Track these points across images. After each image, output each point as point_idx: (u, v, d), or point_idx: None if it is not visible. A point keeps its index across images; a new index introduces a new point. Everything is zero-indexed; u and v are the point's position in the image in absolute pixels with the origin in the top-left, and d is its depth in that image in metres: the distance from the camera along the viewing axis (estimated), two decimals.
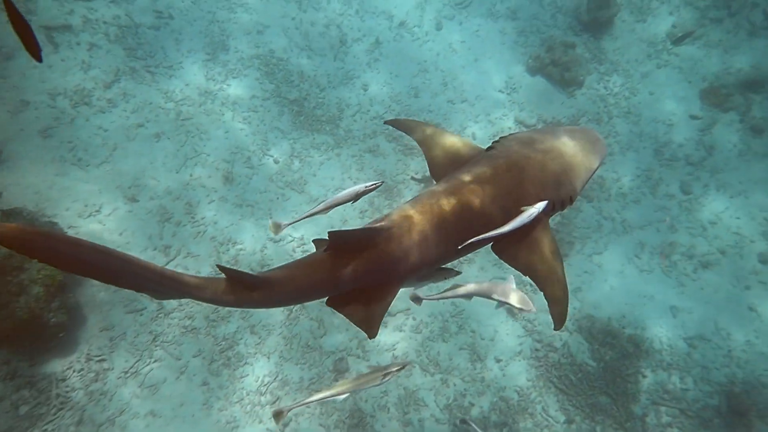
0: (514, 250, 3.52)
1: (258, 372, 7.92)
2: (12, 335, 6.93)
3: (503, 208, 3.41)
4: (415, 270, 3.36)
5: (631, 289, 9.78)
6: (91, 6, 9.89)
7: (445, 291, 4.09)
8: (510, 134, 3.94)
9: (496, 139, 3.90)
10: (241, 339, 8.08)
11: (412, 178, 9.83)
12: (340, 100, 10.55)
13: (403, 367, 4.19)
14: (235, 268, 3.16)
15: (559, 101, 11.56)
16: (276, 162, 9.62)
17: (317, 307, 8.34)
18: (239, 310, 8.15)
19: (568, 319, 3.68)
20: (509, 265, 3.56)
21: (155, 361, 7.66)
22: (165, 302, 7.94)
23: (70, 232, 7.93)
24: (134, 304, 7.86)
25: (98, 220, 8.30)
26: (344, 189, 3.88)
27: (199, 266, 8.37)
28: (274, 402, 7.73)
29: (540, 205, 3.32)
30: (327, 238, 3.15)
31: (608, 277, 9.84)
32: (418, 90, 11.08)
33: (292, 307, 8.36)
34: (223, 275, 3.18)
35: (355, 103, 10.60)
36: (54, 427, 6.96)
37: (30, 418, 6.89)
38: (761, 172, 11.07)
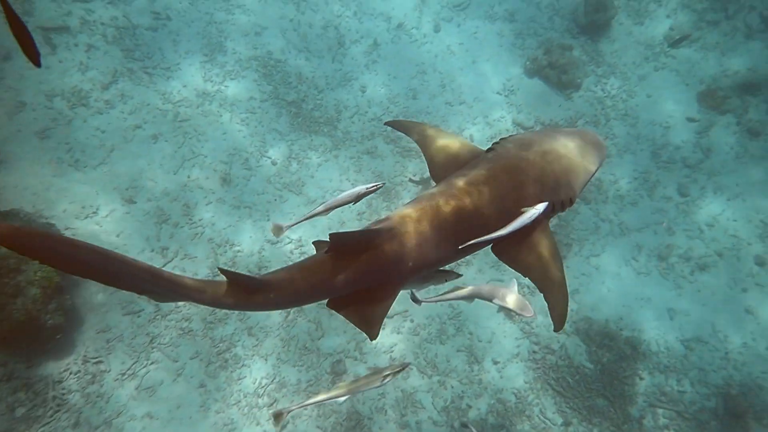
0: (514, 251, 3.52)
1: (255, 374, 7.90)
2: (9, 337, 6.91)
3: (503, 210, 3.41)
4: (415, 271, 3.36)
5: (628, 291, 9.78)
6: (88, 7, 9.88)
7: (445, 293, 4.08)
8: (510, 136, 3.94)
9: (496, 140, 3.90)
10: (239, 341, 8.06)
11: (410, 180, 9.83)
12: (338, 101, 10.55)
13: (402, 368, 4.17)
14: (234, 271, 3.14)
15: (557, 103, 11.57)
16: (274, 163, 9.61)
17: (315, 309, 8.32)
18: (236, 312, 8.14)
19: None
20: (509, 266, 3.56)
21: (152, 363, 7.64)
22: (162, 304, 7.92)
23: (67, 234, 7.91)
24: (131, 306, 7.84)
25: (95, 221, 8.28)
26: (344, 190, 3.87)
27: (196, 268, 8.35)
28: (272, 404, 7.71)
29: (540, 207, 3.32)
30: (327, 239, 3.14)
31: (605, 279, 9.85)
32: (416, 92, 11.08)
33: (289, 309, 8.34)
34: (222, 278, 3.17)
35: (353, 104, 10.60)
36: (50, 430, 6.94)
37: (26, 420, 6.87)
38: (758, 175, 11.10)
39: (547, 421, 8.38)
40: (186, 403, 7.51)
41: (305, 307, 8.19)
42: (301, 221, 3.99)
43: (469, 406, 8.26)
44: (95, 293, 7.78)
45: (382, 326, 3.66)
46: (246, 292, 3.18)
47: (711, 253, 10.33)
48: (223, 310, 8.04)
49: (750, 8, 12.56)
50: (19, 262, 6.81)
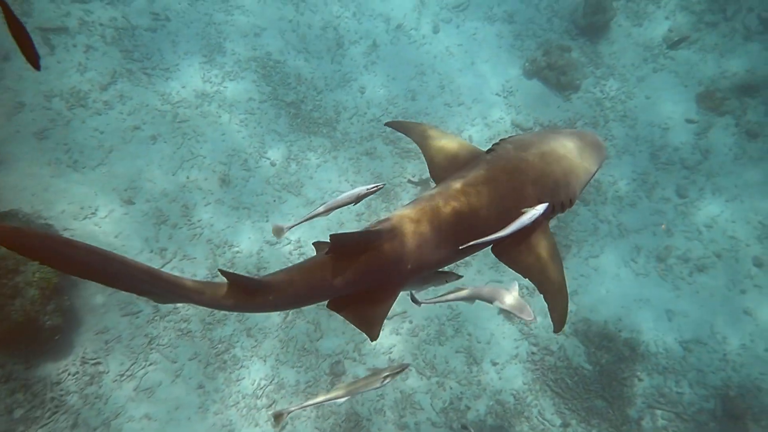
0: (514, 252, 3.52)
1: (254, 375, 7.89)
2: (7, 338, 6.90)
3: (503, 211, 3.40)
4: (415, 272, 3.36)
5: (627, 292, 9.79)
6: (87, 8, 9.87)
7: (445, 294, 4.07)
8: (510, 137, 3.94)
9: (497, 141, 3.90)
10: (237, 342, 8.05)
11: (409, 181, 9.83)
12: (337, 102, 10.55)
13: (402, 369, 4.17)
14: (234, 272, 3.13)
15: (556, 105, 11.58)
16: (273, 164, 9.60)
17: (314, 310, 8.31)
18: (235, 313, 8.13)
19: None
20: (509, 267, 3.56)
21: (151, 364, 7.63)
22: (161, 305, 7.91)
23: (66, 234, 7.89)
24: (130, 307, 7.83)
25: (94, 222, 8.27)
26: (343, 191, 3.87)
27: (195, 269, 8.34)
28: (270, 405, 7.70)
29: (540, 207, 3.32)
30: (327, 240, 3.14)
31: (604, 281, 9.85)
32: (415, 93, 11.08)
33: (290, 310, 8.34)
34: (222, 279, 3.16)
35: (352, 105, 10.60)
36: (49, 431, 6.92)
37: (24, 421, 6.85)
38: (756, 176, 11.11)
39: (545, 422, 8.38)
40: (184, 404, 7.50)
41: (304, 308, 8.18)
42: (302, 222, 3.99)
43: (468, 408, 8.26)
44: (94, 294, 7.76)
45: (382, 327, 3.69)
46: (246, 293, 3.17)
47: (709, 255, 10.34)
48: (222, 312, 8.03)
49: (748, 10, 12.59)
50: (18, 263, 6.79)
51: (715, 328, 9.62)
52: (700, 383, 9.09)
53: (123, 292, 3.04)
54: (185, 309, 8.03)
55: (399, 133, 4.61)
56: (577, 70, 11.80)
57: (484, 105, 11.28)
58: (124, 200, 8.55)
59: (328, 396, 4.29)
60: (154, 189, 8.78)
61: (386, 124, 4.76)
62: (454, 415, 8.13)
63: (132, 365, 7.55)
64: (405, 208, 3.45)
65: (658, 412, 8.76)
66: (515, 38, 12.20)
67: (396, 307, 8.57)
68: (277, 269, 3.40)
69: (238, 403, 7.66)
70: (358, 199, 3.77)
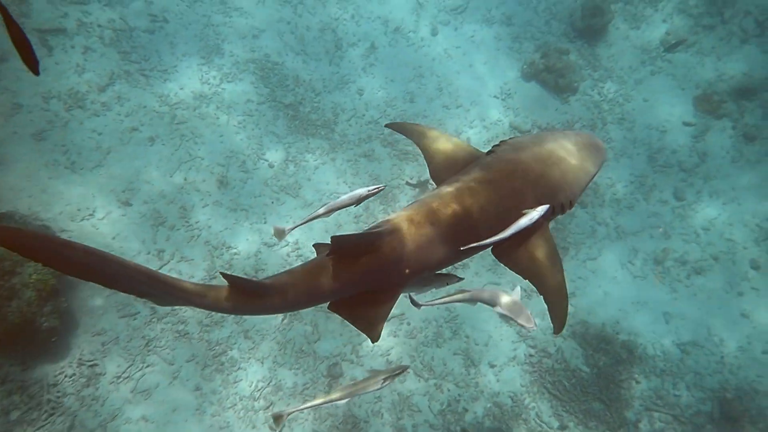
0: (514, 254, 3.52)
1: (251, 377, 7.87)
2: (4, 339, 6.87)
3: (502, 213, 3.41)
4: (415, 274, 3.36)
5: (624, 294, 9.80)
6: (85, 9, 9.85)
7: (445, 296, 4.06)
8: (510, 138, 3.95)
9: (496, 143, 3.91)
10: (235, 344, 8.03)
11: (408, 183, 9.83)
12: (335, 104, 10.55)
13: (401, 371, 4.17)
14: (235, 275, 3.12)
15: (554, 107, 11.60)
16: (271, 166, 9.59)
17: (311, 312, 8.30)
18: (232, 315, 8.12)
19: None
20: (509, 268, 3.56)
21: (148, 366, 7.60)
22: (159, 307, 7.88)
23: (63, 236, 7.87)
24: (127, 308, 7.80)
25: (92, 223, 8.24)
26: (342, 193, 3.87)
27: (193, 271, 8.32)
28: (268, 407, 7.69)
29: (541, 209, 3.32)
30: (327, 242, 3.13)
31: (602, 283, 9.86)
32: (414, 95, 11.09)
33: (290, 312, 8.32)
34: (222, 281, 3.15)
35: (351, 107, 10.60)
36: None
37: (21, 423, 6.82)
38: (753, 179, 11.14)
39: (543, 424, 8.37)
40: (182, 406, 7.47)
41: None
42: (303, 223, 3.99)
43: (466, 410, 8.25)
44: (91, 296, 7.74)
45: None
46: (247, 296, 3.16)
47: (707, 257, 10.36)
48: (219, 314, 8.01)
49: (745, 13, 12.64)
50: (15, 265, 6.77)
51: (713, 331, 9.64)
52: (697, 386, 9.10)
53: (121, 293, 3.03)
54: (182, 311, 8.01)
55: (397, 135, 4.62)
56: (575, 73, 11.82)
57: (482, 107, 11.29)
58: (121, 202, 8.53)
59: (328, 398, 4.28)
60: (151, 190, 8.76)
61: (386, 126, 4.77)
62: (452, 417, 8.13)
63: (129, 367, 7.53)
64: (405, 209, 3.45)
65: (656, 414, 8.76)
66: (513, 41, 12.22)
67: (394, 310, 8.53)
68: (276, 271, 3.39)
69: (235, 405, 7.64)
70: (358, 201, 3.77)
